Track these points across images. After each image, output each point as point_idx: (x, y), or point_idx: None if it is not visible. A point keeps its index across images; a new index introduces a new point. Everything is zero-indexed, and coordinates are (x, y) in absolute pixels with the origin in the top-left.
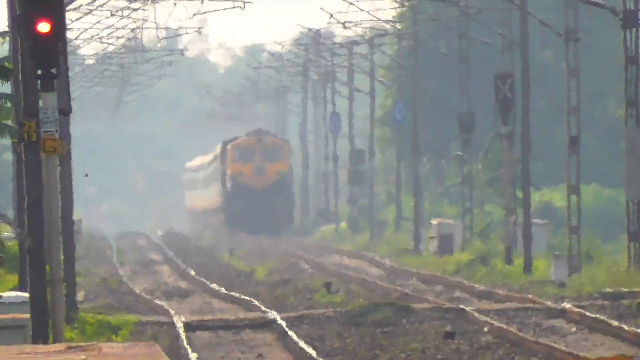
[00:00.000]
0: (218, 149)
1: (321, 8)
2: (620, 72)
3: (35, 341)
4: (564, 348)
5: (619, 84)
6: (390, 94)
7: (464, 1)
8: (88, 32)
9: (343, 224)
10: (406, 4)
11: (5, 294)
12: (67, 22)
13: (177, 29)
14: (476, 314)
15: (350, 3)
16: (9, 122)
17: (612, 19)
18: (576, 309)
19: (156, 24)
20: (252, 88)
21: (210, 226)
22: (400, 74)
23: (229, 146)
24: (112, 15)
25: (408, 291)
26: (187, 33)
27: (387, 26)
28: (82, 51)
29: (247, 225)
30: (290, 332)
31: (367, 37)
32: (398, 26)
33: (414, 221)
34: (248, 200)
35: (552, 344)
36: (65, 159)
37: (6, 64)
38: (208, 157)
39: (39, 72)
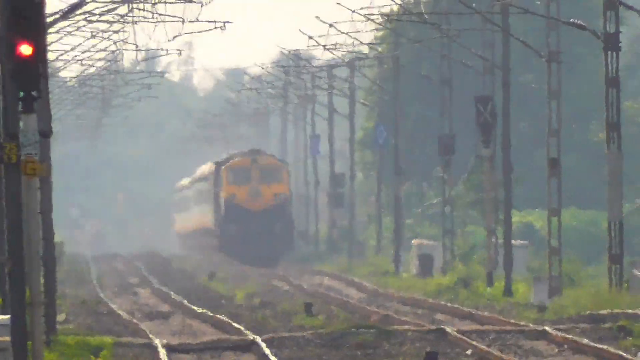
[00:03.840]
0: (209, 170)
1: (300, 30)
2: (602, 95)
3: None
4: None
5: (601, 106)
6: (371, 116)
7: (445, 23)
8: (68, 54)
9: (322, 247)
10: (387, 26)
11: None
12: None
13: (157, 50)
14: (458, 335)
15: (330, 25)
16: None
17: (594, 42)
18: (557, 332)
19: (136, 45)
20: (233, 110)
21: (201, 249)
22: (382, 96)
23: (222, 168)
24: (93, 36)
25: (389, 313)
26: (167, 54)
27: (367, 49)
28: (62, 73)
29: (242, 250)
30: (270, 355)
31: (347, 60)
32: (379, 49)
33: (395, 243)
34: (244, 224)
35: None
36: (46, 181)
37: None
38: (199, 178)
39: (21, 94)
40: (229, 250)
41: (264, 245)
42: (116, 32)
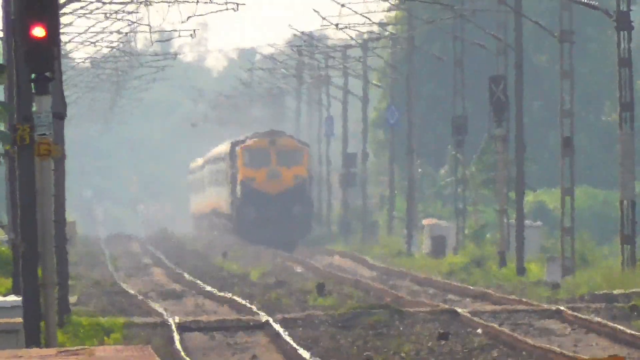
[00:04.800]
0: (226, 150)
1: (314, 10)
2: (614, 75)
3: (28, 345)
4: (557, 349)
5: (613, 86)
6: (384, 97)
7: (458, 4)
8: (82, 35)
9: (335, 227)
10: (401, 6)
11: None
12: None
13: (170, 32)
14: (469, 316)
15: (343, 5)
16: (1, 128)
17: (606, 21)
18: (570, 311)
19: (149, 26)
20: (246, 91)
21: (217, 232)
22: (395, 77)
23: (238, 148)
24: (106, 18)
25: (401, 294)
26: (179, 36)
27: (380, 29)
28: (75, 55)
29: (260, 235)
30: (283, 335)
31: (360, 41)
32: (391, 29)
33: (407, 223)
34: (261, 207)
35: (546, 345)
36: (60, 163)
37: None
38: (215, 158)
39: (33, 76)
40: (246, 234)
41: (282, 230)
42: (130, 13)
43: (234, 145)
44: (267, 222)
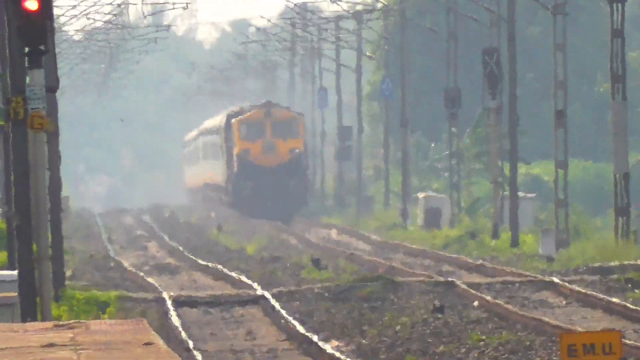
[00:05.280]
0: (220, 122)
1: None
2: (607, 47)
3: (24, 319)
4: (553, 321)
5: (606, 58)
6: (378, 70)
7: None
8: (74, 8)
9: (329, 201)
10: None
11: None
12: None
13: (163, 4)
14: (465, 287)
15: None
16: None
17: None
18: (565, 283)
19: None
20: (239, 64)
21: (213, 205)
22: (388, 49)
23: (233, 120)
24: None
25: (396, 265)
26: (173, 8)
27: (374, 1)
28: (68, 28)
29: (255, 208)
30: (279, 308)
31: (353, 12)
32: (384, 1)
33: (402, 196)
34: (257, 180)
35: (541, 317)
36: (53, 137)
37: None
38: (210, 130)
39: (27, 49)
40: (242, 208)
41: (278, 203)
42: None
43: (229, 117)
44: (264, 195)
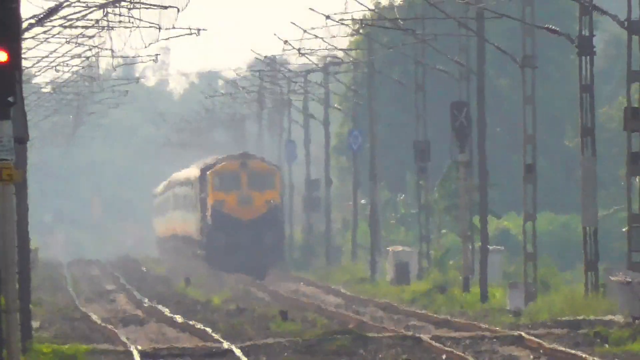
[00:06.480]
0: (194, 174)
1: (275, 34)
2: (576, 100)
3: None
4: None
5: (575, 112)
6: (345, 122)
7: (420, 29)
8: (44, 60)
9: (297, 252)
10: (361, 31)
11: None
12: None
13: (133, 57)
14: (433, 342)
15: (305, 31)
16: None
17: (569, 46)
18: (533, 337)
19: (112, 51)
20: (208, 116)
21: (185, 259)
22: (356, 101)
23: (208, 173)
24: (67, 42)
25: (365, 319)
26: (142, 62)
27: (342, 54)
28: (38, 79)
29: (230, 262)
30: None
31: (321, 65)
32: (353, 54)
33: (371, 249)
34: (232, 234)
35: None
36: (22, 188)
37: None
38: (182, 182)
39: None
40: (216, 262)
41: (253, 257)
42: (91, 37)
43: (204, 170)
44: (238, 248)
